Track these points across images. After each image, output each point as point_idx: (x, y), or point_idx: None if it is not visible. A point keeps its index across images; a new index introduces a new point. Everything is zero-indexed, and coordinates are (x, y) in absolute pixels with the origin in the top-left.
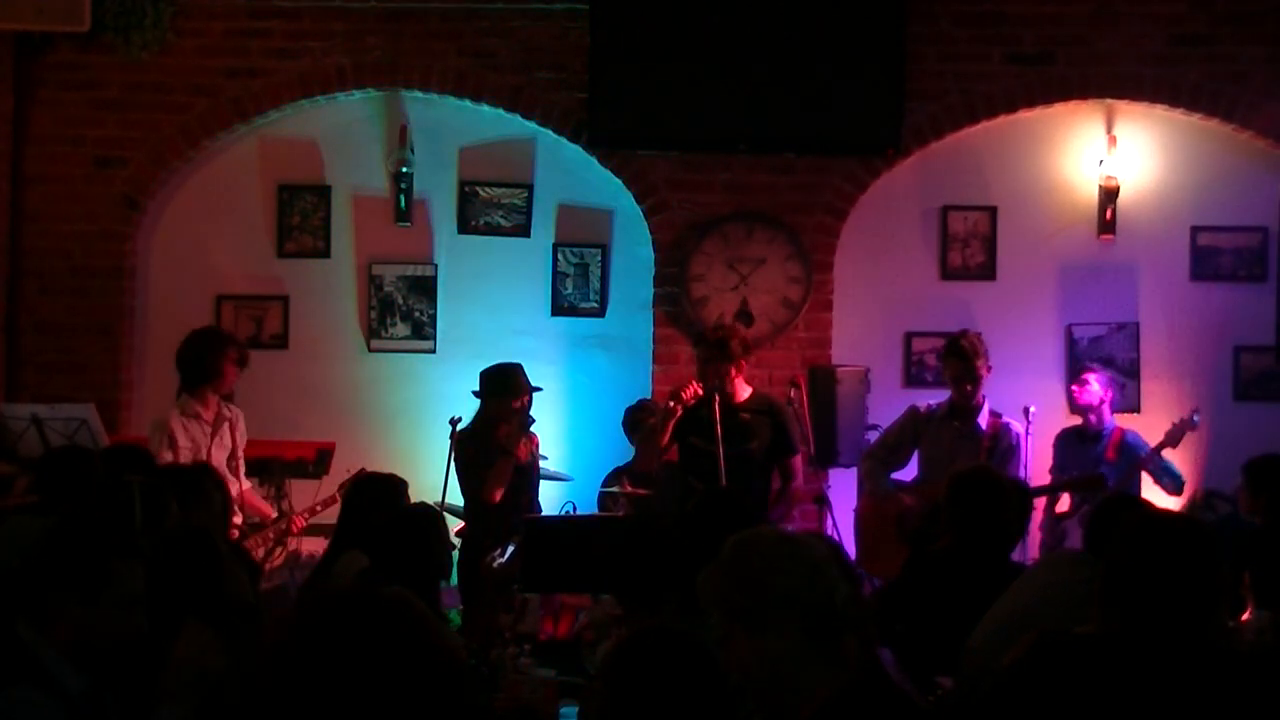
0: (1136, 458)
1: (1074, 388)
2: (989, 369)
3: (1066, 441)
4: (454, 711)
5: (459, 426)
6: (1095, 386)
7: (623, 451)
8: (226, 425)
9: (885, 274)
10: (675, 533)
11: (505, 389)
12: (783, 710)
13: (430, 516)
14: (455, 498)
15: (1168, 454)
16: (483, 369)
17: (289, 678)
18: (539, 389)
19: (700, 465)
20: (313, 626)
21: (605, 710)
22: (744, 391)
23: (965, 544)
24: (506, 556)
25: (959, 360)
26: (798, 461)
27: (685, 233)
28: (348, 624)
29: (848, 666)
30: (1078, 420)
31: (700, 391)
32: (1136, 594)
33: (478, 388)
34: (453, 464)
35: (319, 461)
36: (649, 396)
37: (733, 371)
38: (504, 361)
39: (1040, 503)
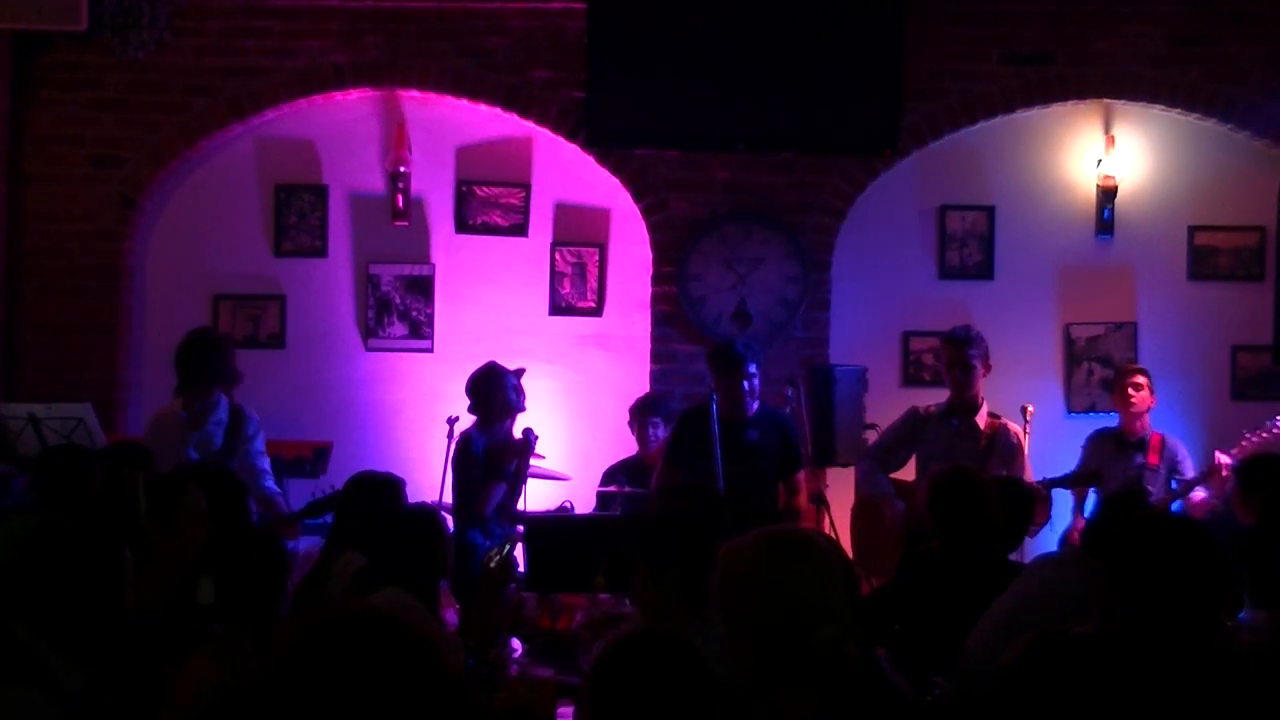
0: (1176, 462)
1: (1122, 396)
2: (987, 367)
3: (1100, 445)
4: None
5: (456, 425)
6: (1147, 392)
7: (621, 451)
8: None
9: (883, 273)
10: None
11: (503, 380)
12: (780, 712)
13: (431, 516)
14: (451, 496)
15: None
16: (470, 390)
17: (280, 707)
18: (523, 370)
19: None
20: (302, 655)
21: (591, 715)
22: (753, 406)
23: (953, 544)
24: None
25: (951, 346)
26: (802, 477)
27: (683, 232)
28: (337, 652)
29: (845, 668)
30: (1106, 422)
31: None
32: (1135, 594)
33: (474, 407)
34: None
35: (316, 460)
36: (648, 392)
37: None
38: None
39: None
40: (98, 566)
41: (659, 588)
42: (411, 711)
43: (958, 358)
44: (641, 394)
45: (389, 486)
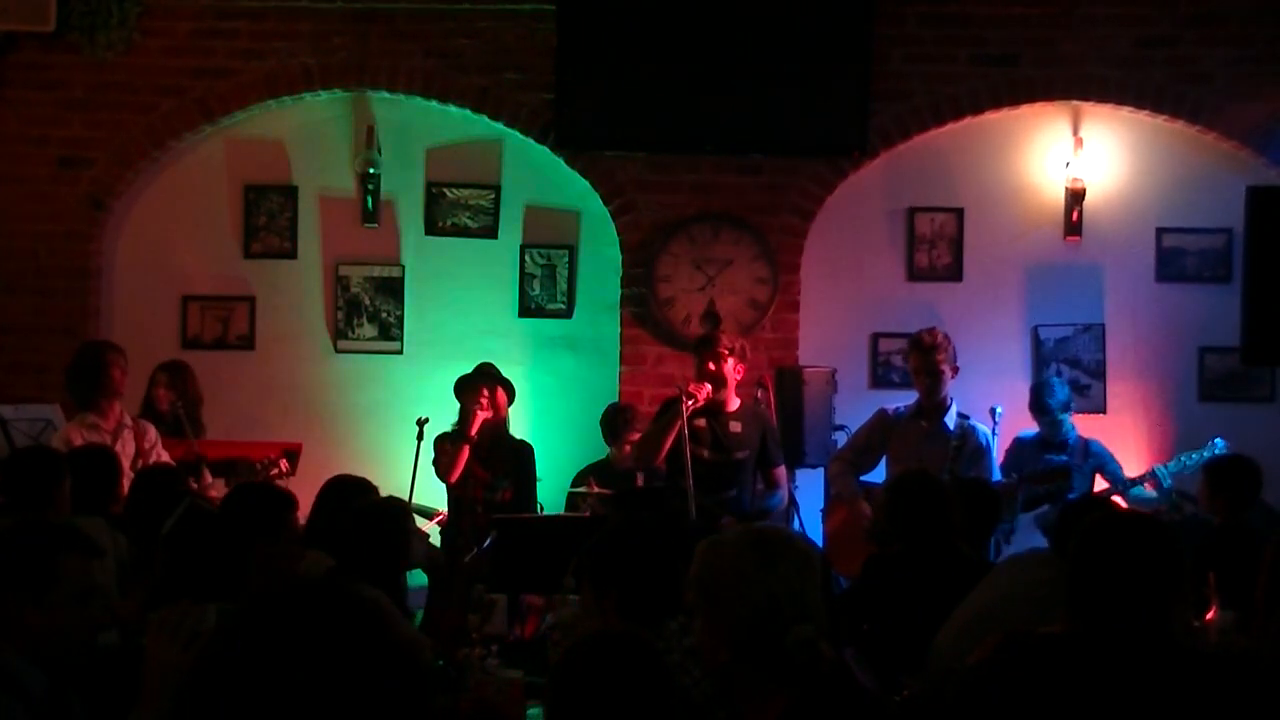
0: (1101, 467)
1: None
2: (955, 369)
3: (1024, 450)
4: (416, 707)
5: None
6: (1061, 394)
7: (590, 452)
8: (128, 431)
9: (852, 275)
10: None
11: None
12: (752, 711)
13: (393, 507)
14: (422, 497)
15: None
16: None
17: (240, 673)
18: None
19: (695, 471)
20: (265, 620)
21: (553, 714)
22: (734, 401)
23: (914, 546)
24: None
25: (918, 353)
26: (781, 473)
27: (652, 234)
28: (303, 617)
29: (818, 668)
30: (1033, 426)
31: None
32: (1100, 594)
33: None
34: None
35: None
36: (617, 399)
37: (727, 371)
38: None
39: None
40: (62, 569)
41: (601, 608)
42: (366, 669)
43: (924, 364)
44: (613, 402)
45: (362, 490)
